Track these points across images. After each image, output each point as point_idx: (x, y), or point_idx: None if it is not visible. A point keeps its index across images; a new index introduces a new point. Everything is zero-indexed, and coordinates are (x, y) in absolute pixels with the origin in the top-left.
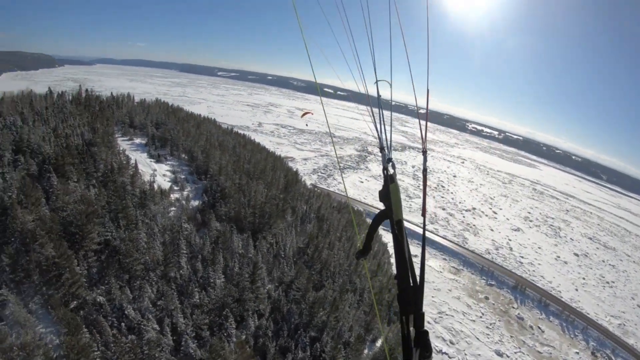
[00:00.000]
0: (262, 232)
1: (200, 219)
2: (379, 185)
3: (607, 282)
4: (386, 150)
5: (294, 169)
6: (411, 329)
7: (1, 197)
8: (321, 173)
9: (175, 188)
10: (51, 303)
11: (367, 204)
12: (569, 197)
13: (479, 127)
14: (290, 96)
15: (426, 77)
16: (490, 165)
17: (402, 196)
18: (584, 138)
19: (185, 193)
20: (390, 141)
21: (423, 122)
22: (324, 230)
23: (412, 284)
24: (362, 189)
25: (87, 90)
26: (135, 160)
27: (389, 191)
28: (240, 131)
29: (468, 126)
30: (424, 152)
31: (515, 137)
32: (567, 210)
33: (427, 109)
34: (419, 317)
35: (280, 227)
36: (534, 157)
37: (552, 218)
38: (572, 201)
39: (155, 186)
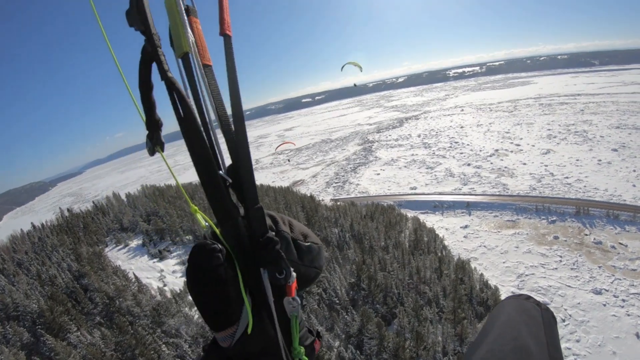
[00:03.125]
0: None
1: None
2: (396, 171)
3: None
4: None
5: (309, 194)
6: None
7: None
8: (335, 183)
9: None
10: None
11: (395, 194)
12: (576, 97)
13: (460, 70)
14: (273, 122)
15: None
16: (489, 100)
17: (421, 169)
18: (560, 34)
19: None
20: None
21: None
22: (366, 249)
23: (225, 170)
24: (382, 180)
25: (68, 210)
26: (134, 274)
27: (141, 4)
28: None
29: (449, 74)
30: None
31: (498, 63)
32: (582, 110)
33: None
34: (254, 217)
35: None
36: (523, 74)
37: (573, 124)
38: (581, 99)
39: (168, 291)
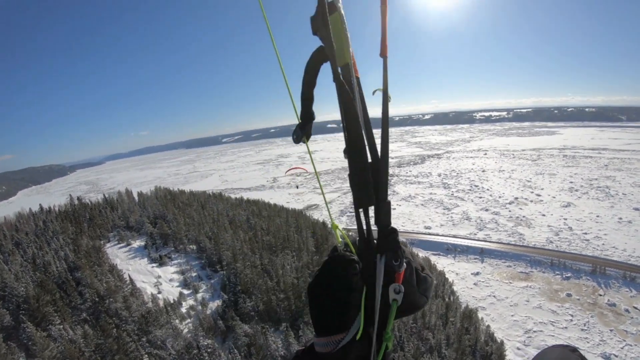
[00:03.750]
0: (302, 315)
1: (223, 325)
2: (412, 208)
3: None
4: None
5: (321, 220)
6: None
7: None
8: (350, 212)
9: (187, 292)
10: None
11: (409, 231)
12: (601, 151)
13: (487, 114)
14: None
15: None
16: (513, 147)
17: (438, 209)
18: (589, 87)
19: (199, 296)
20: None
21: None
22: None
23: (371, 160)
24: (397, 216)
25: (78, 198)
26: (129, 277)
27: (326, 16)
28: (251, 195)
29: (476, 116)
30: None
31: (525, 110)
32: (606, 165)
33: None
34: (382, 209)
35: None
36: (550, 124)
37: (596, 179)
38: (606, 154)
39: (161, 300)
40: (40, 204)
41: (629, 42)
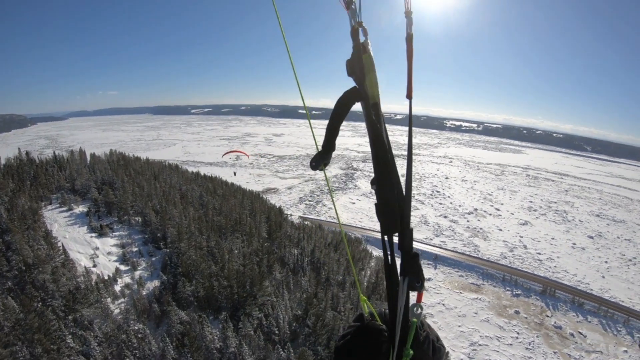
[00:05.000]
0: (245, 306)
1: (158, 309)
2: (364, 200)
3: (630, 260)
4: (356, 6)
5: (277, 206)
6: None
7: None
8: (308, 201)
9: (124, 269)
10: None
11: (365, 228)
12: (563, 176)
13: (457, 123)
14: (265, 123)
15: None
16: (478, 159)
17: (429, 234)
18: (559, 113)
19: (137, 274)
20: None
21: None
22: (322, 281)
23: (395, 192)
24: (355, 210)
25: (26, 153)
26: (62, 246)
27: (361, 61)
28: (212, 171)
29: (446, 124)
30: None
31: (495, 125)
32: (566, 191)
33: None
34: (406, 236)
35: (267, 292)
36: (517, 142)
37: (555, 202)
38: (567, 179)
39: (95, 275)
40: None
41: (601, 77)
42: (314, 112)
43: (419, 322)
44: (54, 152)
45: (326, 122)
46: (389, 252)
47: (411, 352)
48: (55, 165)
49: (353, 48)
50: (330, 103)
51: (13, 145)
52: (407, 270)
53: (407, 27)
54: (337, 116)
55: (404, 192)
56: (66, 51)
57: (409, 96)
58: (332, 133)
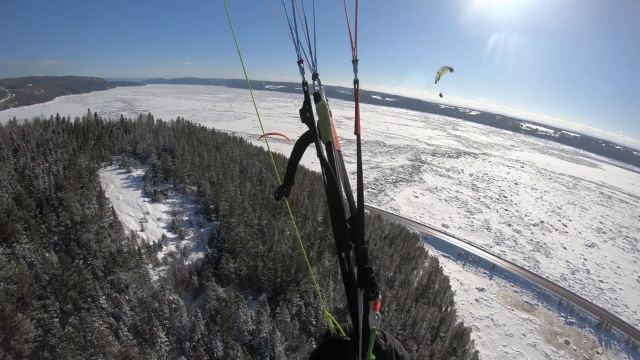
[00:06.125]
0: (286, 291)
1: (197, 282)
2: (435, 201)
3: None
4: (310, 63)
5: None
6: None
7: None
8: (371, 189)
9: (171, 236)
10: None
11: (424, 225)
12: (639, 200)
13: (534, 127)
14: (337, 105)
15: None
16: (552, 168)
17: (460, 210)
18: None
19: (183, 243)
20: (315, 54)
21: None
22: None
23: (349, 216)
24: (417, 205)
25: (95, 114)
26: (112, 207)
27: (311, 109)
28: (279, 147)
29: (522, 126)
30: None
31: (572, 134)
32: None
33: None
34: (361, 252)
35: (312, 279)
36: (594, 155)
37: (626, 227)
38: None
39: (140, 239)
40: (53, 115)
41: None
42: (387, 98)
43: (378, 332)
44: (122, 115)
45: (396, 109)
46: (347, 267)
47: (373, 356)
48: (121, 128)
49: (304, 98)
50: (403, 92)
51: (91, 105)
52: (362, 283)
53: (354, 73)
54: (295, 155)
55: (356, 211)
56: (145, 16)
57: (357, 132)
58: (291, 169)
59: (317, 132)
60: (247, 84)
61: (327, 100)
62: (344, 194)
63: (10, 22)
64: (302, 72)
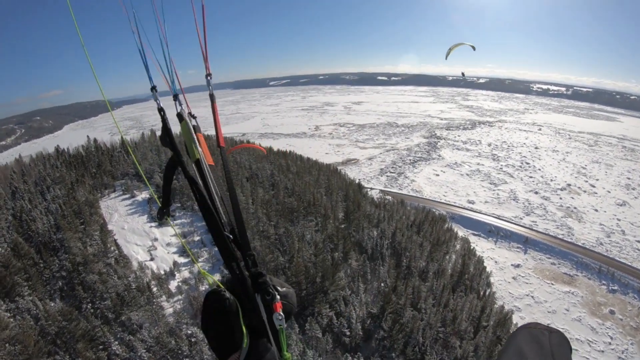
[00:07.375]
0: (314, 304)
1: None
2: (457, 177)
3: None
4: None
5: (357, 180)
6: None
7: None
8: (390, 172)
9: (183, 261)
10: None
11: (450, 204)
12: None
13: (545, 87)
14: (344, 91)
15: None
16: (569, 127)
17: (484, 183)
18: None
19: (197, 267)
20: (175, 74)
21: None
22: (402, 270)
23: (229, 230)
24: (439, 183)
25: (94, 140)
26: (115, 242)
27: (171, 133)
28: (291, 142)
29: (533, 87)
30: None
31: (585, 89)
32: None
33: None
34: (248, 259)
35: (341, 284)
36: (610, 109)
37: None
38: None
39: (149, 270)
40: (56, 146)
41: None
42: (393, 78)
43: (284, 326)
44: (121, 137)
45: (404, 87)
46: (238, 274)
47: (289, 355)
48: (122, 151)
49: (162, 126)
50: (409, 69)
51: (100, 128)
52: (257, 289)
53: (208, 87)
54: (166, 180)
55: (235, 224)
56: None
57: (219, 145)
58: (166, 193)
59: (181, 152)
60: (106, 103)
61: (194, 117)
62: (219, 206)
63: (8, 60)
64: (156, 99)
